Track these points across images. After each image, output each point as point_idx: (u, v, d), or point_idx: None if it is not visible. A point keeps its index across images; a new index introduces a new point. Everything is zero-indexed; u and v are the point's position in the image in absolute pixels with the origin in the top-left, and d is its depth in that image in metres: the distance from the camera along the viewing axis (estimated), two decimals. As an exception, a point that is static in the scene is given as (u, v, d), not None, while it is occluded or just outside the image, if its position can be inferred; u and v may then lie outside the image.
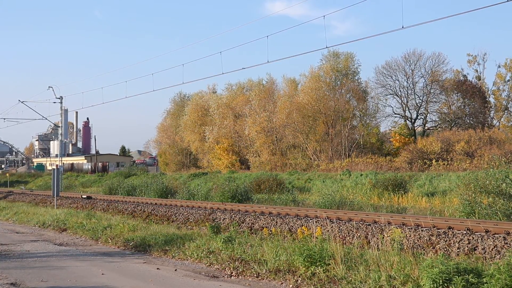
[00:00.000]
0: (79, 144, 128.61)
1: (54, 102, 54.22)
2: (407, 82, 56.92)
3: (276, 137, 56.47)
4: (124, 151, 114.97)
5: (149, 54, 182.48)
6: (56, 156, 53.54)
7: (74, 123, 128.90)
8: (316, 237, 12.78)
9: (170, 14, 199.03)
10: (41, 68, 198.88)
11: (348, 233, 15.61)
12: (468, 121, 54.80)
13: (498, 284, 8.37)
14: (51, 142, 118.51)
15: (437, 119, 57.71)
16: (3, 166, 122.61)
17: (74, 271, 12.70)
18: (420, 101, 56.77)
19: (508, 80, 56.11)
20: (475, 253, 12.37)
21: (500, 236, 12.73)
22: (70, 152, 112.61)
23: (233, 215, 20.51)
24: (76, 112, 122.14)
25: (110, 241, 17.72)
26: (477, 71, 58.50)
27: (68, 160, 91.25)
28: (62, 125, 55.01)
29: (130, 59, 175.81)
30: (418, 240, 13.79)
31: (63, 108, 54.77)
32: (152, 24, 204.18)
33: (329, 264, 10.94)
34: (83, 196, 34.52)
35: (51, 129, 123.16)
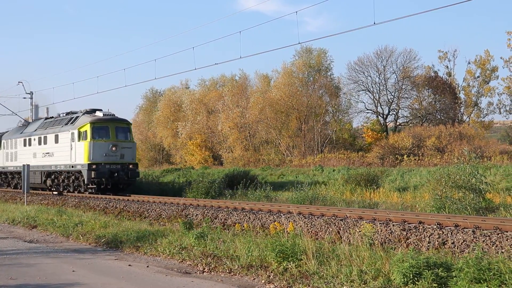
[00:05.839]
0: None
1: (24, 98, 53.55)
2: (379, 78, 57.37)
3: (249, 132, 56.48)
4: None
5: (120, 49, 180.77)
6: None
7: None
8: (288, 233, 12.82)
9: (142, 9, 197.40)
10: (9, 63, 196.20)
11: (321, 228, 15.69)
12: (439, 116, 55.47)
13: (467, 277, 8.50)
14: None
15: (408, 115, 58.28)
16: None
17: (44, 269, 12.56)
18: (392, 97, 57.27)
19: (478, 76, 56.86)
20: (445, 248, 12.53)
21: (469, 230, 12.92)
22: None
23: (206, 211, 20.48)
24: (47, 108, 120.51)
25: (81, 237, 17.55)
26: (447, 67, 59.15)
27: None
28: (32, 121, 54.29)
29: (102, 54, 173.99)
30: (389, 235, 13.92)
31: (33, 103, 54.08)
32: (124, 19, 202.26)
33: (301, 259, 10.98)
34: (54, 193, 34.14)
35: (21, 125, 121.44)
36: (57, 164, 33.21)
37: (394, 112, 57.92)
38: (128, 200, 26.51)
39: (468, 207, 18.78)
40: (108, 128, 31.07)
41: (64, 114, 35.16)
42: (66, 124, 32.92)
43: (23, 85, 51.62)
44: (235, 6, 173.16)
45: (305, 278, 10.34)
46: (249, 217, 18.36)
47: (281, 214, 18.09)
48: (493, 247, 11.89)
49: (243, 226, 16.74)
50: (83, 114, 32.13)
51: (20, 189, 36.47)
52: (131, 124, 34.16)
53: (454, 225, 13.72)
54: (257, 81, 60.98)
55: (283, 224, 15.39)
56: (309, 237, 12.24)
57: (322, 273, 10.30)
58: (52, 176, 34.65)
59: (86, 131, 30.47)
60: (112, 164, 30.53)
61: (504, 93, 55.17)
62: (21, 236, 18.86)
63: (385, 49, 57.13)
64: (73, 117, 32.96)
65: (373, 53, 58.94)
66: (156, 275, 11.76)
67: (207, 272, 11.98)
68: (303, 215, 17.33)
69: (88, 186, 30.69)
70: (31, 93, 53.22)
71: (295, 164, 46.36)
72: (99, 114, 32.13)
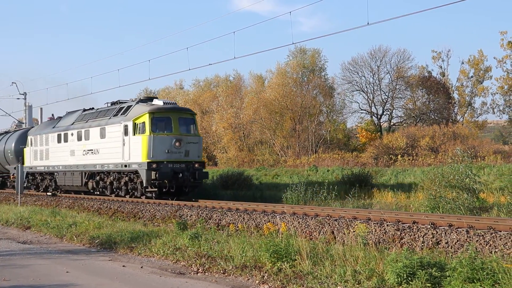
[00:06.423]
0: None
1: (18, 98, 53.57)
2: (373, 78, 57.54)
3: (243, 133, 56.50)
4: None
5: (114, 49, 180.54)
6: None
7: (39, 120, 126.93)
8: (282, 233, 12.82)
9: (136, 10, 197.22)
10: (3, 64, 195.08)
11: (315, 228, 15.69)
12: (432, 116, 55.67)
13: (460, 277, 8.52)
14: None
15: (402, 115, 58.47)
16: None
17: (38, 270, 12.52)
18: (386, 97, 57.44)
19: (471, 76, 57.11)
20: (438, 247, 12.55)
21: (463, 230, 12.94)
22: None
23: (200, 212, 20.45)
24: (41, 108, 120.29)
25: (75, 238, 17.51)
26: (441, 67, 59.45)
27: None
28: (26, 122, 54.36)
29: (96, 54, 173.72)
30: (383, 235, 13.93)
31: (27, 104, 54.09)
32: (118, 19, 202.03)
33: (295, 259, 10.98)
34: (48, 193, 34.05)
35: (14, 126, 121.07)
36: (103, 163, 27.99)
37: (388, 112, 58.12)
38: (122, 200, 26.40)
39: (462, 207, 18.84)
40: (170, 119, 25.51)
41: (109, 105, 30.06)
42: (116, 115, 27.61)
43: (16, 86, 51.64)
44: (229, 7, 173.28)
45: (299, 278, 10.34)
46: (243, 218, 18.35)
47: (276, 214, 18.09)
48: (486, 247, 11.92)
49: (237, 227, 16.73)
50: (137, 103, 27.18)
51: (52, 191, 34.20)
52: (195, 114, 28.61)
53: (448, 224, 13.74)
54: (251, 82, 61.19)
55: (277, 224, 15.39)
56: (303, 238, 12.24)
57: (316, 273, 10.31)
58: (97, 178, 29.39)
59: (143, 122, 25.22)
60: (175, 163, 25.11)
61: (497, 93, 55.50)
62: (15, 237, 18.81)
63: (379, 49, 57.37)
64: (123, 107, 27.62)
65: (367, 53, 59.18)
66: (150, 276, 11.74)
67: (201, 272, 11.96)
68: (297, 215, 17.33)
69: (147, 190, 25.58)
70: (25, 93, 53.22)
71: (289, 165, 46.40)
72: (158, 102, 26.78)
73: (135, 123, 25.56)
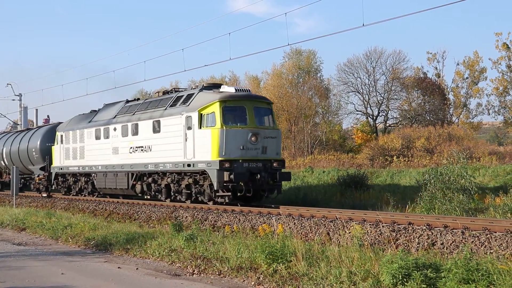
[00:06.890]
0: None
1: (13, 100, 53.52)
2: (368, 80, 57.51)
3: (239, 134, 56.39)
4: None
5: (110, 51, 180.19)
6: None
7: (34, 121, 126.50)
8: (277, 234, 12.83)
9: (131, 11, 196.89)
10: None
11: (310, 229, 15.69)
12: (428, 118, 55.67)
13: (456, 278, 8.54)
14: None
15: (398, 116, 58.48)
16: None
17: (33, 271, 12.50)
18: (381, 98, 57.42)
19: (467, 78, 57.21)
20: (434, 248, 12.56)
21: (458, 231, 12.96)
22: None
23: (196, 213, 20.40)
24: (36, 110, 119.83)
25: (70, 240, 17.49)
26: (436, 68, 59.53)
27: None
28: (22, 123, 54.30)
29: (91, 56, 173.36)
30: (379, 236, 13.94)
31: (22, 105, 54.04)
32: (114, 20, 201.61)
33: (291, 261, 10.98)
34: (43, 195, 33.97)
35: (10, 127, 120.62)
36: (157, 163, 23.80)
37: (384, 114, 58.10)
38: (118, 202, 26.35)
39: (457, 208, 18.87)
40: (245, 109, 21.45)
41: (161, 94, 26.52)
42: (173, 105, 23.51)
43: (11, 87, 51.51)
44: (224, 8, 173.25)
45: (295, 280, 10.35)
46: (239, 219, 18.33)
47: (271, 215, 18.07)
48: (481, 248, 11.94)
49: (233, 228, 16.72)
50: (200, 90, 22.95)
51: (88, 195, 30.90)
52: (272, 103, 24.34)
53: (443, 226, 13.75)
54: (247, 83, 61.18)
55: (272, 225, 15.37)
56: (298, 239, 12.24)
57: (311, 275, 10.31)
58: (149, 179, 25.10)
59: (213, 113, 21.11)
60: (251, 162, 21.01)
61: (492, 94, 55.57)
62: (10, 239, 18.77)
63: (375, 51, 57.33)
64: (183, 96, 23.54)
65: (363, 54, 59.06)
66: (146, 278, 11.73)
67: (197, 274, 11.96)
68: (293, 216, 17.32)
69: (218, 194, 21.33)
70: (20, 95, 53.16)
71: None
72: (227, 89, 22.53)
73: (201, 113, 21.51)
